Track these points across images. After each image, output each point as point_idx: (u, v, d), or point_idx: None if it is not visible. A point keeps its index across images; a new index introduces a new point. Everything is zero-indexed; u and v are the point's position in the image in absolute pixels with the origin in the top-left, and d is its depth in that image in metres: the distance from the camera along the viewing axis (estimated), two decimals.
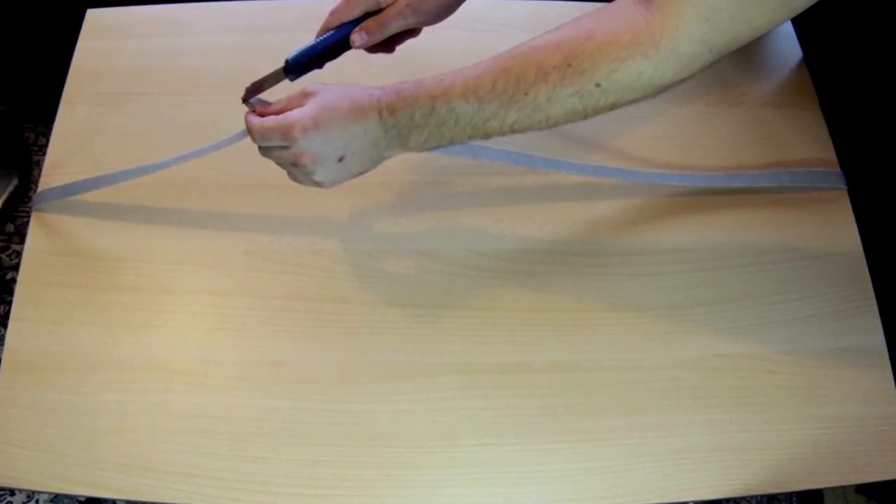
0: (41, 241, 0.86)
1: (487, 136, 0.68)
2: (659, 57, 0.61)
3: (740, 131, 0.94)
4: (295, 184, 0.88)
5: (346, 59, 0.75)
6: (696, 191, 0.90)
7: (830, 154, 0.92)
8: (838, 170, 0.92)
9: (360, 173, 0.72)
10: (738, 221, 0.89)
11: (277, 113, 0.70)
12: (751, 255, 0.86)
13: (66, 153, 0.91)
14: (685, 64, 0.62)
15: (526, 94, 0.64)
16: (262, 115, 0.70)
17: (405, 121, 0.68)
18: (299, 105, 0.68)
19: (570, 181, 0.90)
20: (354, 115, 0.67)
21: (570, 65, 0.62)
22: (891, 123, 0.87)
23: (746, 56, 1.00)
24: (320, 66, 0.73)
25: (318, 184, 0.72)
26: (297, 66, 0.72)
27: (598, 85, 0.63)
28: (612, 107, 0.65)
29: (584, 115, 0.66)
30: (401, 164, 0.90)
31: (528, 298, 0.83)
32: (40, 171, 0.90)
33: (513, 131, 0.67)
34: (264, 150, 0.71)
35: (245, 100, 0.74)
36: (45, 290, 0.83)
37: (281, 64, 0.72)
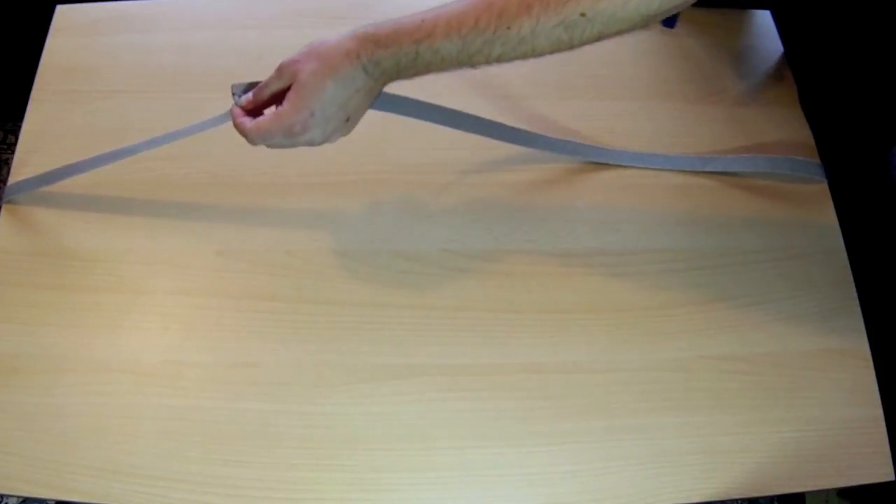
0: (11, 240, 0.88)
1: (474, 66, 0.70)
2: None
3: (720, 128, 0.97)
4: (268, 183, 0.91)
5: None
6: (676, 190, 0.93)
7: (812, 152, 0.95)
8: (818, 160, 0.94)
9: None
10: (719, 221, 0.91)
11: (263, 106, 0.73)
12: (732, 255, 0.89)
13: (36, 150, 0.93)
14: None
15: (509, 28, 0.65)
16: (248, 111, 0.74)
17: (391, 67, 0.70)
18: (280, 88, 0.72)
19: (547, 178, 0.93)
20: (343, 84, 0.70)
21: None
22: (872, 120, 0.90)
23: (728, 53, 1.03)
24: None
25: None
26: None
27: (582, 14, 0.64)
28: (599, 37, 0.66)
29: (571, 46, 0.67)
30: (375, 163, 0.93)
31: (505, 299, 0.86)
32: (9, 169, 0.92)
33: (499, 62, 0.69)
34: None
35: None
36: (13, 290, 0.85)
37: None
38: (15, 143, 0.93)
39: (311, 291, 0.86)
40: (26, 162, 0.92)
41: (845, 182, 0.93)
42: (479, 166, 0.94)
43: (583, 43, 0.67)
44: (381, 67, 0.70)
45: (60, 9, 1.04)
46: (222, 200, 0.91)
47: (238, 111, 0.75)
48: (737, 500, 1.28)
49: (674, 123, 0.97)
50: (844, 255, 0.89)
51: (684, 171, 0.94)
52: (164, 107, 0.96)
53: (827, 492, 1.17)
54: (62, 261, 0.87)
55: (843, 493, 1.16)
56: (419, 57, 0.69)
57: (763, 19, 1.06)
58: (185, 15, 1.04)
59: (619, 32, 0.66)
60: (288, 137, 0.72)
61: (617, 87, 1.00)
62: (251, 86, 0.76)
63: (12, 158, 0.92)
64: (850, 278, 0.88)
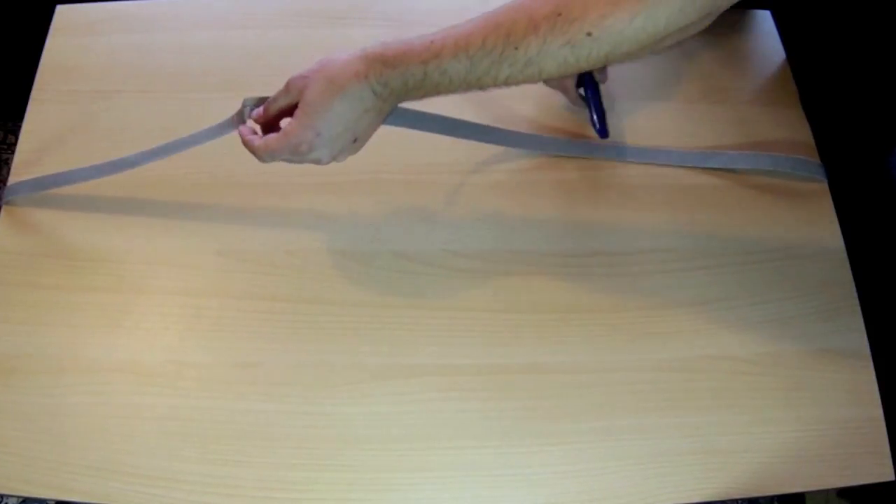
0: (10, 240, 0.88)
1: (482, 89, 0.70)
2: None
3: (722, 129, 0.97)
4: (268, 183, 0.91)
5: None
6: (676, 190, 0.93)
7: (812, 152, 0.95)
8: (818, 160, 0.94)
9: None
10: (719, 221, 0.91)
11: (273, 120, 0.74)
12: (732, 255, 0.89)
13: (36, 151, 0.93)
14: (678, 7, 0.62)
15: (516, 48, 0.65)
16: (259, 123, 0.75)
17: (399, 88, 0.70)
18: (288, 104, 0.73)
19: (547, 179, 0.93)
20: (350, 104, 0.70)
21: (560, 14, 0.63)
22: (872, 121, 0.90)
23: (729, 53, 1.03)
24: None
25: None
26: None
27: (589, 34, 0.63)
28: (607, 59, 0.66)
29: (578, 68, 0.67)
30: (376, 163, 0.93)
31: (506, 299, 0.86)
32: (9, 169, 0.92)
33: (507, 85, 0.69)
34: None
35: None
36: (13, 290, 0.85)
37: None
38: (15, 143, 0.94)
39: (312, 291, 0.86)
40: (26, 162, 0.92)
41: (845, 182, 0.93)
42: (480, 167, 0.94)
43: (590, 65, 0.66)
44: (390, 88, 0.70)
45: (60, 9, 1.04)
46: (222, 200, 0.91)
47: (245, 129, 0.76)
48: (737, 500, 1.28)
49: (674, 123, 0.97)
50: (844, 255, 0.89)
51: (685, 171, 0.94)
52: (164, 107, 0.96)
53: (827, 492, 1.17)
54: (62, 261, 0.87)
55: (843, 493, 1.16)
56: (427, 77, 0.69)
57: (763, 19, 1.06)
58: (185, 15, 1.04)
59: (626, 55, 0.66)
60: (295, 156, 0.73)
61: (617, 87, 0.99)
62: (262, 100, 0.76)
63: (12, 158, 0.92)
64: (850, 278, 0.88)
